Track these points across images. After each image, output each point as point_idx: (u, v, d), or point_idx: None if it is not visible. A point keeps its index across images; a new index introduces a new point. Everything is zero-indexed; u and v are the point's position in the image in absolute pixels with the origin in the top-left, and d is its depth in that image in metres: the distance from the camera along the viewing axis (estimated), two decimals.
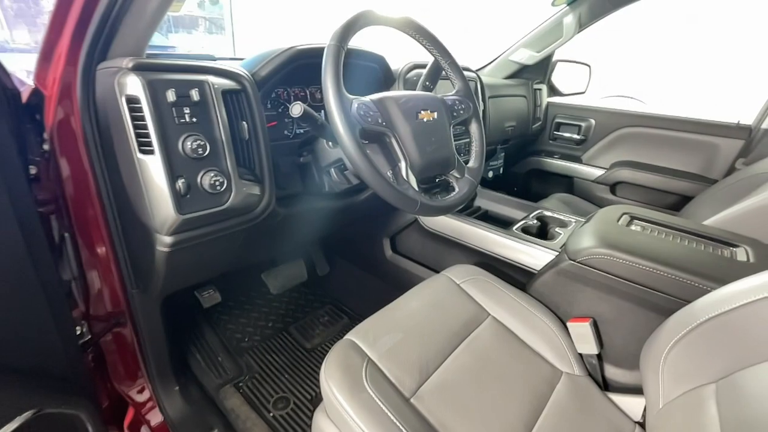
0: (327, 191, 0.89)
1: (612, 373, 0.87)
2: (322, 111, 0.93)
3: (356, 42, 0.81)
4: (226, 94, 0.66)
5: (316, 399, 1.10)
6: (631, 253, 0.81)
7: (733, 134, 1.46)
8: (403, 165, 0.67)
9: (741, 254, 0.84)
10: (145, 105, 0.56)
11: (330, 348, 1.24)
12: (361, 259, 1.48)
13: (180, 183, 0.60)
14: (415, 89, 0.94)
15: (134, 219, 0.68)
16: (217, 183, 0.63)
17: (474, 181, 0.80)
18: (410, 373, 0.70)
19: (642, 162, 1.66)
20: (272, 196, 0.76)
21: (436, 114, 0.74)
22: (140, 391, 1.00)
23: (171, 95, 0.58)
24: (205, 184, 0.63)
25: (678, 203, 1.57)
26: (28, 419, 0.57)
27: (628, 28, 1.40)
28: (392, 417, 0.60)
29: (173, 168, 0.59)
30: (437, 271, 1.25)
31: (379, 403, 0.62)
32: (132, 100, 0.56)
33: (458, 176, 0.80)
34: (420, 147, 0.70)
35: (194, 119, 0.61)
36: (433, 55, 0.83)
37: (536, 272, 1.00)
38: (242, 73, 0.70)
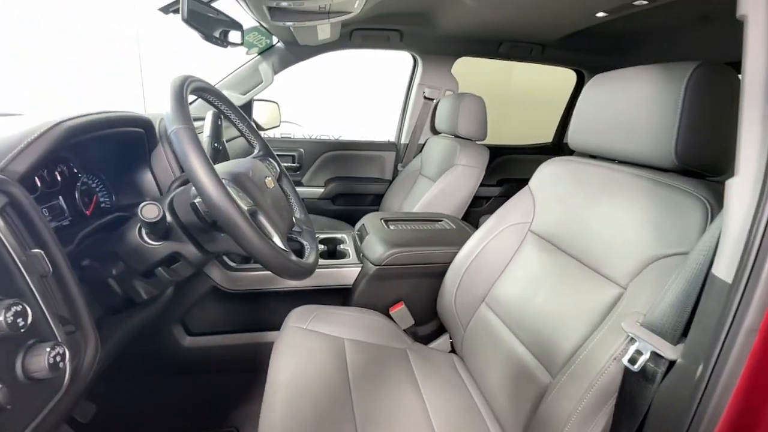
0: (144, 299, 0.67)
1: (422, 330, 1.21)
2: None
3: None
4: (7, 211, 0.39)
5: None
6: (408, 246, 1.16)
7: (388, 148, 2.20)
8: (277, 239, 0.65)
9: (445, 225, 1.37)
10: None
11: None
12: (144, 368, 1.12)
13: None
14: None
15: None
16: (58, 357, 0.38)
17: (310, 229, 0.87)
18: (344, 418, 0.73)
19: (346, 175, 2.16)
20: (98, 341, 0.52)
21: (271, 179, 0.74)
22: None
23: None
24: (37, 368, 0.36)
25: (375, 200, 2.18)
26: None
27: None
28: None
29: None
30: (254, 331, 1.19)
31: None
32: None
33: (299, 230, 0.83)
34: (280, 215, 0.69)
35: None
36: (230, 120, 0.79)
37: (351, 286, 1.19)
38: (6, 173, 0.42)
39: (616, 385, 0.59)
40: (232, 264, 1.11)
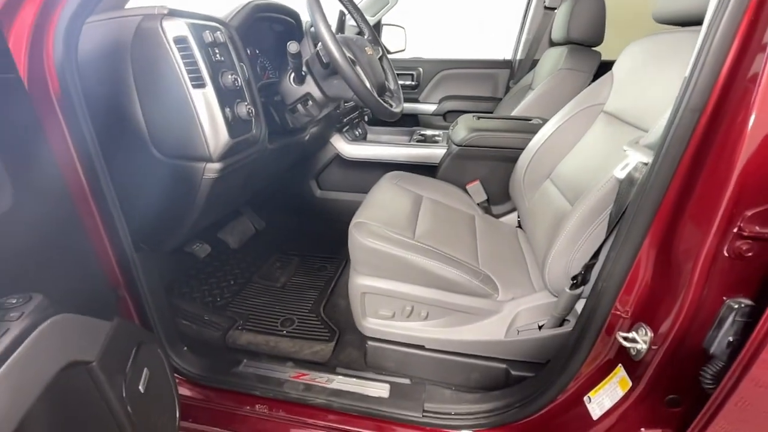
0: (291, 127, 1.08)
1: (495, 208, 1.40)
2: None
3: None
4: (230, 38, 0.79)
5: (313, 309, 1.28)
6: (488, 130, 1.33)
7: (502, 66, 2.24)
8: (368, 84, 0.95)
9: (535, 121, 1.47)
10: (193, 44, 0.66)
11: (297, 281, 1.42)
12: (291, 207, 1.65)
13: (227, 111, 0.73)
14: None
15: (168, 169, 0.75)
16: (251, 111, 0.78)
17: (400, 96, 1.14)
18: (408, 228, 1.03)
19: (459, 94, 2.32)
20: (266, 130, 0.92)
21: (371, 51, 1.04)
22: None
23: (209, 36, 0.69)
24: (241, 112, 0.76)
25: None
26: None
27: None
28: (419, 244, 0.93)
29: (221, 98, 0.72)
30: (364, 193, 1.57)
31: (411, 241, 0.93)
32: (180, 41, 0.65)
33: (390, 95, 1.12)
34: (373, 72, 0.99)
35: (222, 58, 0.73)
36: (348, 11, 1.10)
37: (437, 164, 1.45)
38: (229, 24, 0.83)
39: (612, 196, 0.73)
40: (350, 138, 1.49)
